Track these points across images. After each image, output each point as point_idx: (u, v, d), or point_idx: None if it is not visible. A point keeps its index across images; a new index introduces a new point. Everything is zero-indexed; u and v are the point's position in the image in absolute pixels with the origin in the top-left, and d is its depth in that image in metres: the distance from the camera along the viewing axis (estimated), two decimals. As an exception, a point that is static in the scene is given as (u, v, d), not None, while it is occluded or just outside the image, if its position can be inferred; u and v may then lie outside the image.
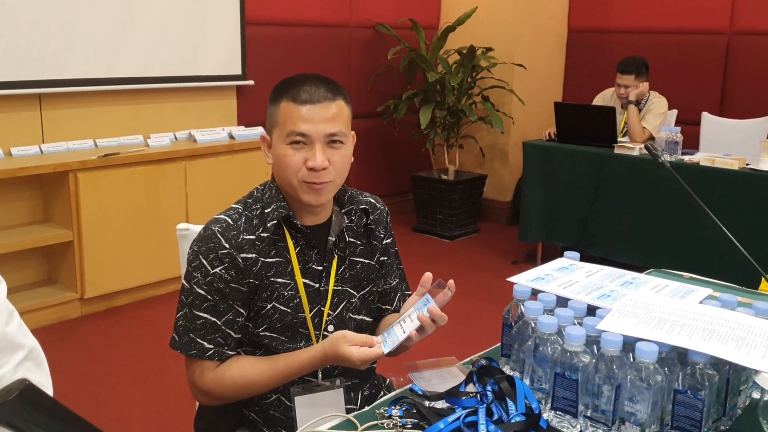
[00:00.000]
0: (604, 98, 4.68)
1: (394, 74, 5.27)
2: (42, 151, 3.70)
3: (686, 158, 3.84)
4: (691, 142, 4.58)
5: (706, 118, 4.75)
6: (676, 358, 1.17)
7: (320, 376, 1.47)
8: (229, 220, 1.44)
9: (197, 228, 1.60)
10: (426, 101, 5.05)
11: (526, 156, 4.48)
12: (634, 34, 5.40)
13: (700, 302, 1.36)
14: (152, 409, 2.79)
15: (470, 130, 5.43)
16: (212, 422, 1.52)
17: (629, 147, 4.00)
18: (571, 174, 4.26)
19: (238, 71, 4.53)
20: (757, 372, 1.09)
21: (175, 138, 4.26)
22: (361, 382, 1.55)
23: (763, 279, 2.27)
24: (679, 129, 3.94)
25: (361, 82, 5.30)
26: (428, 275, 1.37)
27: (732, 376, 1.20)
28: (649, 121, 4.40)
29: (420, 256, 4.69)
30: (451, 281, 1.34)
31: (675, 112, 4.72)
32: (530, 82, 5.47)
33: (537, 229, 4.48)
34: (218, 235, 1.41)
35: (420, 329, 1.33)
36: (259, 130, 4.49)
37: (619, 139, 4.24)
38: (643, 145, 4.07)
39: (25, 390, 0.53)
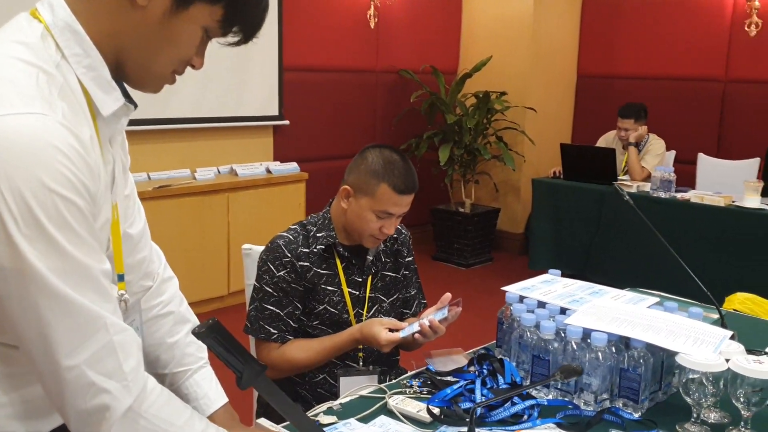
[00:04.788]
0: (607, 140, 5.12)
1: (416, 115, 5.76)
2: (105, 183, 4.20)
3: (679, 195, 4.25)
4: (689, 181, 5.00)
5: (702, 158, 5.16)
6: (622, 344, 1.59)
7: (361, 363, 1.92)
8: (290, 237, 1.90)
9: (258, 248, 2.08)
10: (445, 140, 5.52)
11: (535, 191, 4.92)
12: (639, 80, 5.84)
13: (648, 307, 1.78)
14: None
15: (485, 167, 5.88)
16: (272, 398, 1.96)
17: (627, 184, 4.42)
18: (576, 208, 4.68)
19: (275, 112, 5.04)
20: (676, 353, 1.50)
21: (219, 172, 4.75)
22: (389, 370, 1.98)
23: (727, 298, 2.69)
24: (672, 169, 4.37)
25: (386, 123, 5.80)
26: (448, 295, 1.82)
27: (666, 360, 1.62)
28: (647, 161, 4.83)
29: (438, 282, 5.11)
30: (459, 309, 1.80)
31: (674, 152, 5.15)
32: (541, 123, 5.92)
33: (545, 258, 4.89)
34: (282, 247, 1.87)
35: (422, 334, 1.77)
36: (294, 166, 4.98)
37: (620, 177, 4.66)
38: (638, 184, 4.50)
39: (214, 324, 0.97)
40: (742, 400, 1.44)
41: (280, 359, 1.86)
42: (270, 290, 1.87)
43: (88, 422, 0.94)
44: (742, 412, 1.46)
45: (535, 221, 4.96)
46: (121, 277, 1.08)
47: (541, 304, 1.76)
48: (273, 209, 4.70)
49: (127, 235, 1.13)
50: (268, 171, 4.86)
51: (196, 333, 0.98)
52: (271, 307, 1.87)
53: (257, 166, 4.84)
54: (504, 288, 1.84)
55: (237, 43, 1.05)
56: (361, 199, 1.84)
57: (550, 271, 2.02)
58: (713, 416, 1.54)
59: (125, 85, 1.06)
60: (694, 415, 1.49)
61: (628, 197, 2.00)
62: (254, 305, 1.89)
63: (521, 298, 1.79)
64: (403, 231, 2.06)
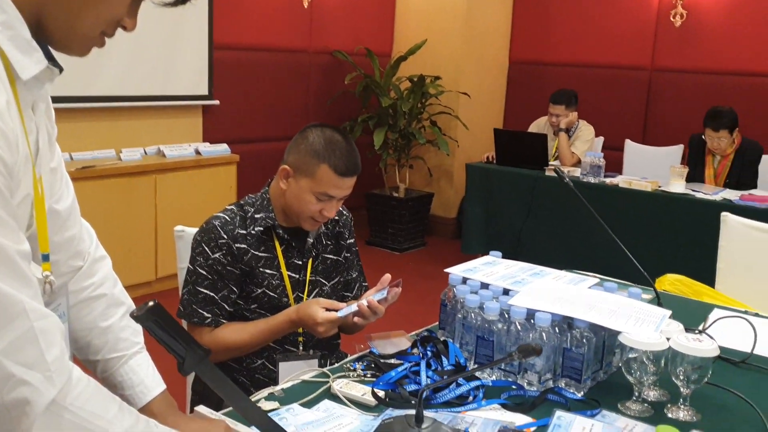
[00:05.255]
0: (538, 125, 5.19)
1: (351, 98, 5.69)
2: (22, 163, 3.97)
3: (608, 180, 4.35)
4: (616, 166, 5.13)
5: (629, 145, 5.31)
6: (565, 324, 1.59)
7: (301, 347, 1.86)
8: (227, 218, 1.81)
9: (192, 230, 1.99)
10: (379, 124, 5.48)
11: (469, 176, 4.95)
12: (568, 67, 5.95)
13: (589, 288, 1.79)
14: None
15: (419, 151, 5.88)
16: (207, 385, 1.87)
17: (559, 170, 4.49)
18: (508, 193, 4.74)
19: (205, 92, 4.88)
20: (619, 333, 1.52)
21: (145, 153, 4.56)
22: (329, 354, 1.94)
23: (657, 280, 2.75)
24: (602, 154, 4.46)
25: (319, 104, 5.71)
26: (387, 276, 1.78)
27: (607, 340, 1.63)
28: (577, 146, 4.92)
29: (372, 266, 5.04)
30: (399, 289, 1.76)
31: (602, 138, 5.27)
32: (474, 108, 5.96)
33: (477, 241, 4.93)
34: (218, 228, 1.79)
35: (361, 316, 1.73)
36: (224, 147, 4.84)
37: (550, 163, 4.74)
38: (569, 169, 4.58)
39: (154, 307, 0.90)
40: (681, 377, 1.47)
41: (212, 342, 1.79)
42: (204, 273, 1.79)
43: (6, 418, 0.85)
44: (682, 390, 1.48)
45: (468, 206, 4.99)
46: (46, 257, 0.99)
47: (484, 286, 1.74)
48: (203, 192, 4.56)
49: (53, 211, 1.04)
50: (198, 152, 4.71)
51: (135, 316, 0.91)
52: (205, 291, 1.79)
53: (186, 147, 4.69)
54: (447, 270, 1.82)
55: (174, 4, 0.97)
56: (301, 180, 1.78)
57: (492, 252, 2.01)
58: (653, 394, 1.56)
59: (49, 47, 0.96)
60: (636, 394, 1.50)
61: (568, 179, 2.01)
62: (187, 288, 1.81)
63: (464, 280, 1.77)
64: (345, 213, 2.01)
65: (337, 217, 1.96)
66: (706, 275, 2.85)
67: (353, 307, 1.73)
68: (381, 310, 1.74)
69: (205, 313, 1.78)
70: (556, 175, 2.09)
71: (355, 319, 1.74)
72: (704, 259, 3.74)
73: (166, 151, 4.55)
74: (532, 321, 1.57)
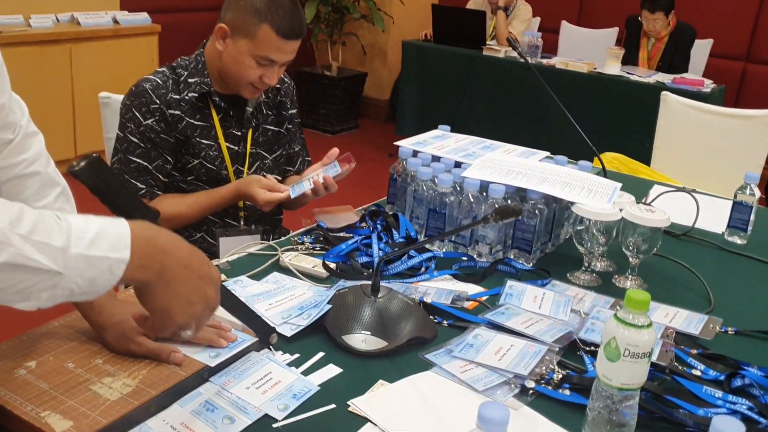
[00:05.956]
0: (476, 3, 5.03)
1: (280, -33, 5.33)
2: None
3: (545, 61, 4.30)
4: (552, 48, 5.07)
5: (565, 26, 5.23)
6: (517, 196, 1.56)
7: (242, 222, 1.78)
8: (158, 81, 1.66)
9: (118, 97, 1.84)
10: (311, -4, 5.19)
11: (405, 55, 4.80)
12: (507, -57, 5.72)
13: (539, 161, 1.76)
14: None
15: (353, 27, 5.64)
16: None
17: (496, 49, 4.40)
18: (444, 72, 4.63)
19: (121, -47, 4.47)
20: (572, 204, 1.50)
21: (58, 20, 4.19)
22: (271, 230, 1.86)
23: (595, 158, 2.77)
24: (540, 34, 4.38)
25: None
26: (335, 150, 1.69)
27: (558, 212, 1.62)
28: (515, 26, 4.81)
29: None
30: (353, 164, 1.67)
31: (538, 19, 5.17)
32: (410, -17, 5.71)
33: (412, 123, 4.85)
34: (149, 91, 1.64)
35: (314, 191, 1.66)
36: (144, 16, 4.49)
37: (487, 42, 4.63)
38: (506, 49, 4.48)
39: (95, 160, 0.79)
40: (631, 248, 1.48)
41: None
42: (135, 140, 1.65)
43: None
44: (630, 260, 1.50)
45: (404, 86, 4.87)
46: None
47: (435, 159, 1.69)
48: (122, 64, 4.25)
49: None
50: (115, 21, 4.35)
51: (74, 171, 0.80)
52: (138, 160, 1.66)
53: (102, 15, 4.32)
54: (397, 143, 1.75)
55: None
56: (240, 42, 1.63)
57: (440, 126, 1.95)
58: (600, 265, 1.57)
59: None
60: (585, 264, 1.51)
61: (520, 50, 1.93)
62: (117, 157, 1.68)
63: (414, 153, 1.71)
64: (287, 80, 1.89)
65: (278, 85, 1.84)
66: (640, 155, 2.89)
67: (306, 184, 1.65)
68: (334, 187, 1.67)
69: (138, 183, 1.66)
70: (492, 54, 2.01)
71: (307, 191, 1.66)
72: (638, 139, 3.81)
73: (81, 19, 4.19)
74: (485, 193, 1.53)
